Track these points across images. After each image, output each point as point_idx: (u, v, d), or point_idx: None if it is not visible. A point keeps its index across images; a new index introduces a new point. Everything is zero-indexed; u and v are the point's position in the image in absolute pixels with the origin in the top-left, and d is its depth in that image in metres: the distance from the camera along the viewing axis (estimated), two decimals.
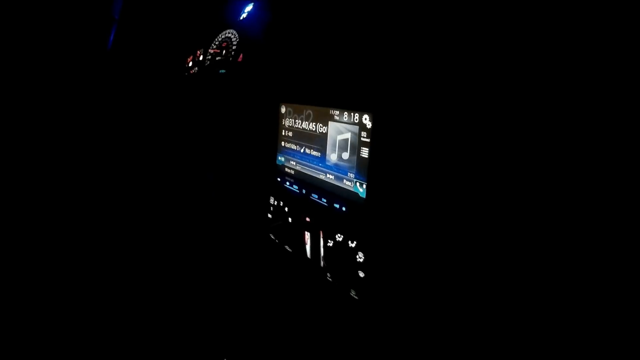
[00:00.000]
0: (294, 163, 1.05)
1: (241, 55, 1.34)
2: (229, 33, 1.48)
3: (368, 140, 0.79)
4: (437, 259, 0.70)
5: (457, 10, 0.67)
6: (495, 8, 0.62)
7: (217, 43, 1.53)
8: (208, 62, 1.54)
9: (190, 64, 1.69)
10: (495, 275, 0.62)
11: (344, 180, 0.87)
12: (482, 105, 0.63)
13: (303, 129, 1.00)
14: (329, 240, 0.93)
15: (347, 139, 0.85)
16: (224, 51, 1.46)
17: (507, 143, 0.60)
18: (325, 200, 0.93)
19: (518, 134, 0.58)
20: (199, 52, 1.65)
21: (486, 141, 0.62)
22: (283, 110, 1.08)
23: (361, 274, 0.84)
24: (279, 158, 1.12)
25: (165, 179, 1.83)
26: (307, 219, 1.00)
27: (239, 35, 1.41)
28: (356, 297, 0.87)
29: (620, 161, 0.49)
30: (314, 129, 0.96)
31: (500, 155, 0.61)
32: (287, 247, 1.11)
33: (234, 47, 1.41)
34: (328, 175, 0.92)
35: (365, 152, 0.81)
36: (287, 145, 1.08)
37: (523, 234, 0.58)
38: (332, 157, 0.90)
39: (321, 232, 0.96)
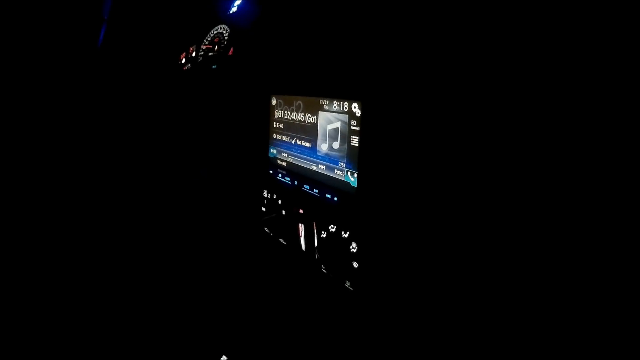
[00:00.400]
0: (286, 155, 1.04)
1: (231, 49, 1.33)
2: (220, 28, 1.46)
3: (358, 128, 0.79)
4: (429, 247, 0.69)
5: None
6: None
7: (209, 39, 1.52)
8: (201, 59, 1.53)
9: (184, 60, 1.68)
10: (486, 262, 0.61)
11: (335, 170, 0.86)
12: (471, 90, 0.61)
13: (293, 119, 0.99)
14: (323, 232, 0.92)
15: (337, 128, 0.84)
16: (216, 46, 1.45)
17: (497, 133, 0.59)
18: (317, 191, 0.93)
19: (508, 126, 0.57)
20: (191, 48, 1.64)
21: (475, 127, 0.61)
22: (274, 102, 1.07)
23: (355, 265, 0.83)
24: (271, 150, 1.11)
25: (159, 174, 1.83)
26: (300, 211, 0.99)
27: (229, 30, 1.40)
28: (351, 288, 0.86)
29: (589, 158, 0.48)
30: (304, 120, 0.95)
31: (489, 144, 0.59)
32: (281, 239, 1.10)
33: (225, 42, 1.40)
34: (319, 166, 0.91)
35: (355, 141, 0.80)
36: (279, 137, 1.07)
37: (513, 224, 0.57)
38: (323, 147, 0.89)
39: (314, 223, 0.95)
